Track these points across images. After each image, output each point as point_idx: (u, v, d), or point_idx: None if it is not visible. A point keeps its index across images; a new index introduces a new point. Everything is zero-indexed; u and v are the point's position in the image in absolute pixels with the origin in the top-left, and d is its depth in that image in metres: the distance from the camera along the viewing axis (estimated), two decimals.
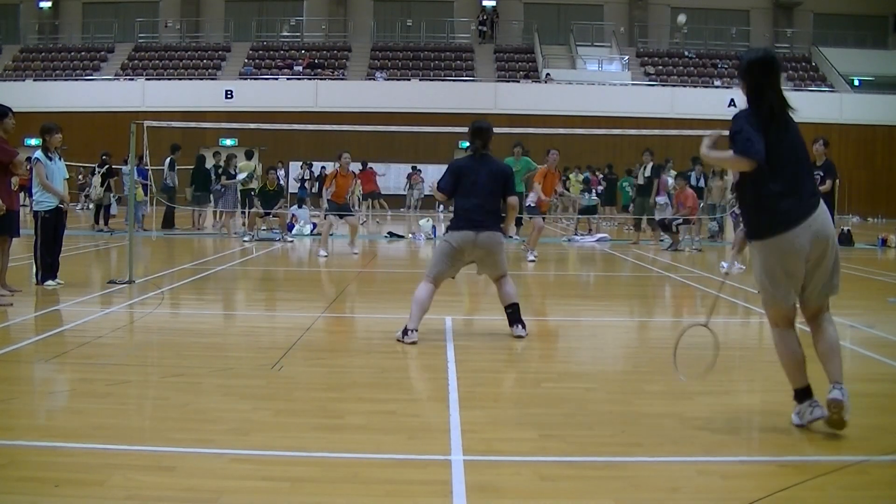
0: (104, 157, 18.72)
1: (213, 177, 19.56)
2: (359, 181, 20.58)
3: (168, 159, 19.41)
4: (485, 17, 38.67)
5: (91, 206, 21.11)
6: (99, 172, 18.49)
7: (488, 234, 6.47)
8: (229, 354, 6.00)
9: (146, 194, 17.80)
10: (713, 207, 17.57)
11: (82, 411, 4.41)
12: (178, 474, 3.49)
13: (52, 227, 9.03)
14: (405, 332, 6.33)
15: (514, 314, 6.62)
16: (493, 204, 6.58)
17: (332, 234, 18.02)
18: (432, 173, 32.86)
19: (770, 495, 3.31)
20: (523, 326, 6.60)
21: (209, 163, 19.80)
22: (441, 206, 31.33)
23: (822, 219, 4.13)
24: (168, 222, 18.72)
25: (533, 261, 12.93)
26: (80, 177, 27.20)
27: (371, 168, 24.67)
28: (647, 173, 17.19)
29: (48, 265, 9.00)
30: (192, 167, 19.65)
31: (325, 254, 13.34)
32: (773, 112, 4.16)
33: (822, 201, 4.21)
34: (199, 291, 9.58)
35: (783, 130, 4.19)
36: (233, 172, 17.92)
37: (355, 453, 3.77)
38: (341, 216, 14.14)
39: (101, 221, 18.05)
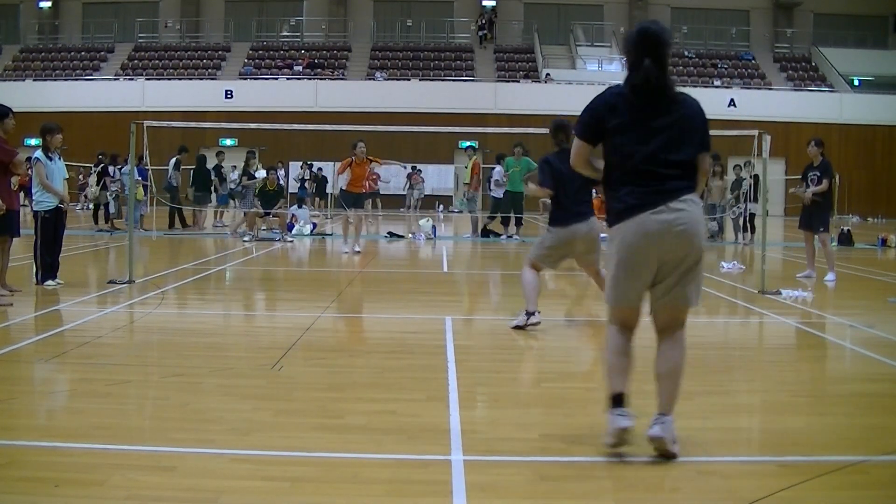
0: (100, 157, 18.79)
1: (215, 177, 19.67)
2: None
3: (174, 159, 19.54)
4: (484, 23, 38.58)
5: (90, 206, 21.20)
6: (94, 172, 18.56)
7: (594, 222, 6.93)
8: (229, 354, 6.00)
9: (146, 194, 17.84)
10: (713, 207, 17.57)
11: (82, 411, 4.40)
12: (178, 474, 3.49)
13: (52, 227, 9.03)
14: (529, 315, 6.80)
15: None
16: (587, 194, 6.98)
17: (331, 234, 18.06)
18: (432, 173, 32.88)
19: (770, 495, 3.31)
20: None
21: (210, 163, 19.90)
22: (441, 206, 31.39)
23: (686, 216, 3.65)
24: (175, 221, 18.90)
25: None
26: (80, 177, 27.23)
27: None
28: None
29: (48, 265, 9.00)
30: (191, 167, 19.73)
31: (349, 250, 13.34)
32: (649, 84, 3.67)
33: (694, 199, 3.72)
34: (199, 291, 9.58)
35: (663, 111, 3.72)
36: (252, 173, 18.12)
37: (355, 453, 3.77)
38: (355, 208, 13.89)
39: (102, 221, 18.09)
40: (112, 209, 18.18)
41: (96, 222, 18.20)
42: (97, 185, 18.35)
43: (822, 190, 10.68)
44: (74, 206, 24.61)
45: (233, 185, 21.49)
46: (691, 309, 3.91)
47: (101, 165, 18.46)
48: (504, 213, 17.59)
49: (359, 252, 13.58)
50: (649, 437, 3.69)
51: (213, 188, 19.90)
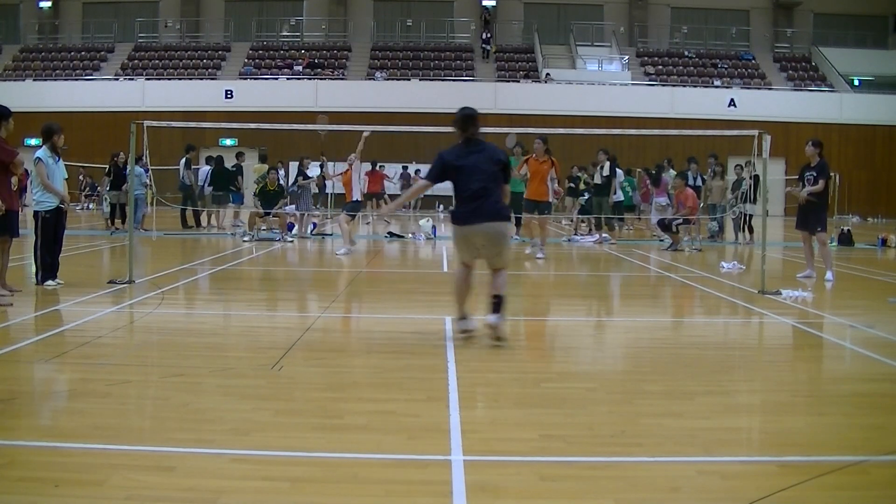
0: (115, 158, 18.97)
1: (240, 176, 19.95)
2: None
3: (184, 159, 19.68)
4: (488, 36, 38.43)
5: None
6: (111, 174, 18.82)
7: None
8: (229, 354, 6.00)
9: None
10: (713, 207, 17.57)
11: (82, 411, 4.40)
12: (178, 474, 3.49)
13: (52, 227, 9.03)
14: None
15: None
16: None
17: (331, 234, 18.08)
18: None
19: (770, 495, 3.31)
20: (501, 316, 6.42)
21: (221, 164, 20.13)
22: (441, 206, 31.37)
23: None
24: (186, 221, 19.08)
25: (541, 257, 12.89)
26: (80, 177, 27.24)
27: (380, 169, 24.52)
28: (606, 172, 17.16)
29: (48, 265, 9.00)
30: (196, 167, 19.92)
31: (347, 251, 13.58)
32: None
33: None
34: (199, 291, 9.59)
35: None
36: (307, 173, 18.30)
37: (355, 453, 3.77)
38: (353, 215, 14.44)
39: (118, 221, 18.16)
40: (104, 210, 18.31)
41: (112, 223, 18.26)
42: (110, 186, 18.61)
43: (818, 190, 10.68)
44: (74, 207, 24.63)
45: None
46: None
47: (110, 166, 18.70)
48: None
49: (342, 252, 13.51)
50: None
51: (236, 188, 19.95)
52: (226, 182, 19.50)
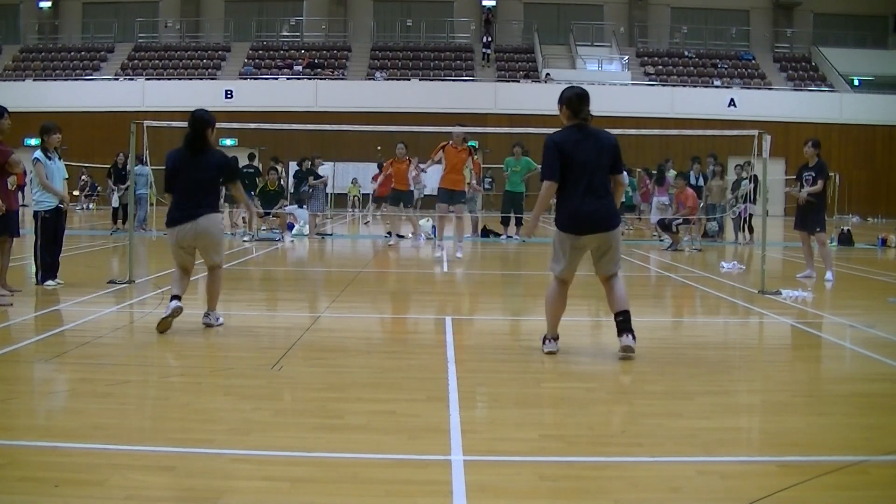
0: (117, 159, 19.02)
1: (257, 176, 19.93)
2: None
3: None
4: (489, 40, 38.42)
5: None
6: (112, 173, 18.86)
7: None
8: (229, 354, 6.00)
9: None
10: (713, 207, 17.56)
11: (82, 411, 4.40)
12: (178, 474, 3.49)
13: (52, 227, 9.03)
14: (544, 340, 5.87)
15: (624, 322, 5.81)
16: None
17: (331, 234, 18.07)
18: (432, 173, 32.82)
19: (770, 495, 3.31)
20: (633, 336, 5.81)
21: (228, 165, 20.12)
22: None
23: None
24: None
25: (429, 247, 13.04)
26: (81, 177, 27.25)
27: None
28: None
29: (48, 265, 9.00)
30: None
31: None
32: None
33: None
34: (199, 291, 9.57)
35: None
36: (318, 172, 18.31)
37: (355, 453, 3.77)
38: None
39: (120, 221, 18.18)
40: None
41: (115, 222, 18.25)
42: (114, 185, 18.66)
43: (817, 190, 10.67)
44: (74, 207, 24.62)
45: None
46: None
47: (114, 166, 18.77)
48: (505, 212, 17.60)
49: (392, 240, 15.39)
50: None
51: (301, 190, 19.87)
52: (241, 182, 19.43)
